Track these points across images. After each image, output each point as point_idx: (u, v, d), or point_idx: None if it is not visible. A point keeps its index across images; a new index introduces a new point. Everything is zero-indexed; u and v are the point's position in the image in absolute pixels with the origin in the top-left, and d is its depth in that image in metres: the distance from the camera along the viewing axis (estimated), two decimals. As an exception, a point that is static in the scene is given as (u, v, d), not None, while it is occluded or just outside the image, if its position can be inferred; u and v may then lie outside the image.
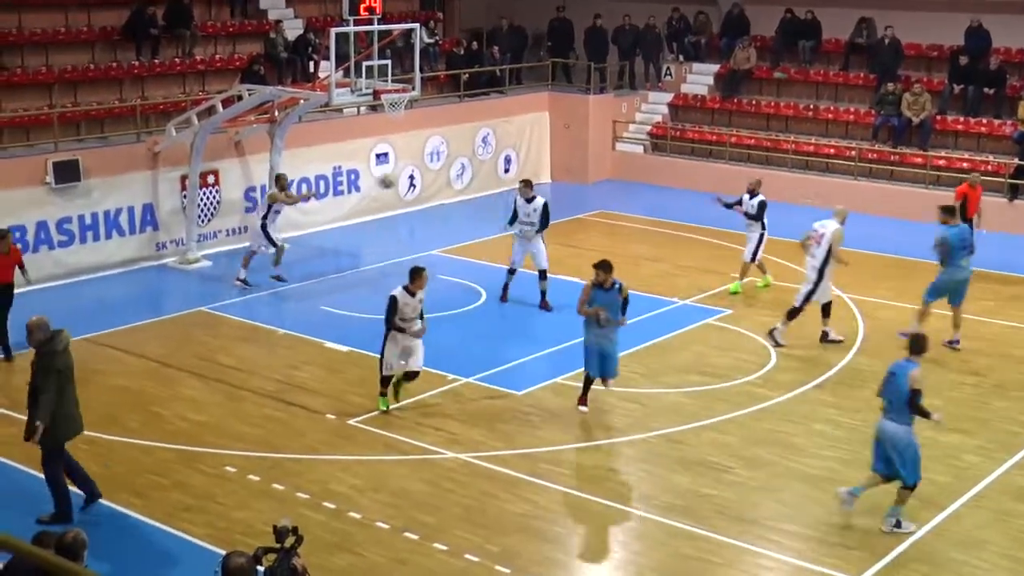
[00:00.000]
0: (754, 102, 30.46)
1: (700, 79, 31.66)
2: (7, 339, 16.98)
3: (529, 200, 19.53)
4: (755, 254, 20.64)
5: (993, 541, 12.32)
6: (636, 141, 31.02)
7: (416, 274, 14.84)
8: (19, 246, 17.64)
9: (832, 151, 28.38)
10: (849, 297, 20.45)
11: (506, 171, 29.36)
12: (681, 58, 32.17)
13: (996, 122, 27.27)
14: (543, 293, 19.59)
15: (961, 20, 28.34)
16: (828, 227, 17.92)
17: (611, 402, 15.83)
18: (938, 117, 27.74)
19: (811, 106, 29.78)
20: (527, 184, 19.89)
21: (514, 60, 31.25)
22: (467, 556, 11.79)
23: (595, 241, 24.41)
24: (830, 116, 29.36)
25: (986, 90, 27.58)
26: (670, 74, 32.04)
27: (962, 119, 27.77)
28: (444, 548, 11.95)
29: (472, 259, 22.70)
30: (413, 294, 14.82)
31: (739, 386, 16.42)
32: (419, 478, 13.53)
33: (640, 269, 21.78)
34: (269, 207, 20.93)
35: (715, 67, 31.41)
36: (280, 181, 21.39)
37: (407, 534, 12.23)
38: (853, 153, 27.90)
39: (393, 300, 14.73)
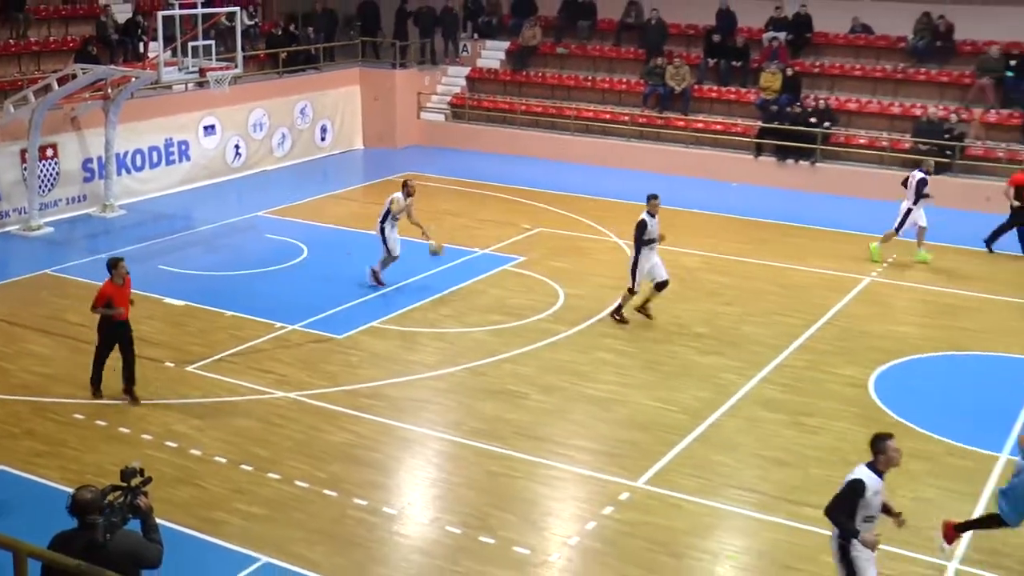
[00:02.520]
0: (540, 74, 30.69)
1: (493, 54, 31.71)
2: (101, 375, 13.82)
3: (654, 214, 16.43)
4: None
5: (745, 443, 12.89)
6: (438, 110, 30.91)
7: (883, 443, 8.56)
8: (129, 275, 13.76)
9: (608, 116, 28.85)
10: (624, 243, 20.93)
11: (323, 139, 28.97)
12: (476, 36, 32.16)
13: (743, 90, 28.16)
14: (641, 304, 16.82)
15: (713, 3, 29.17)
16: None
17: (423, 341, 15.90)
18: (696, 86, 28.49)
19: (590, 77, 30.17)
20: (656, 199, 16.47)
21: (327, 39, 30.69)
22: (298, 483, 11.74)
23: (405, 200, 24.34)
24: (606, 86, 29.80)
25: (734, 63, 28.46)
26: (467, 50, 32.00)
27: (715, 88, 28.58)
28: (277, 477, 11.87)
29: (294, 219, 22.40)
30: (881, 473, 8.57)
31: (533, 323, 16.67)
32: (253, 416, 13.37)
33: (445, 223, 21.82)
34: (387, 211, 17.96)
35: (506, 44, 31.50)
36: (407, 187, 18.14)
37: (243, 466, 12.09)
38: (626, 118, 28.43)
39: (858, 489, 8.43)
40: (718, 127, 27.56)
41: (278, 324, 16.37)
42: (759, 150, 26.61)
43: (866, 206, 23.81)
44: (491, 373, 14.82)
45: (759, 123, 26.86)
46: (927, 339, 16.27)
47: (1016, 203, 20.53)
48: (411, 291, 17.99)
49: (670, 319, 16.90)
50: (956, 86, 26.62)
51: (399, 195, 17.99)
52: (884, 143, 25.94)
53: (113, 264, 13.37)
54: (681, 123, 27.93)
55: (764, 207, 23.18)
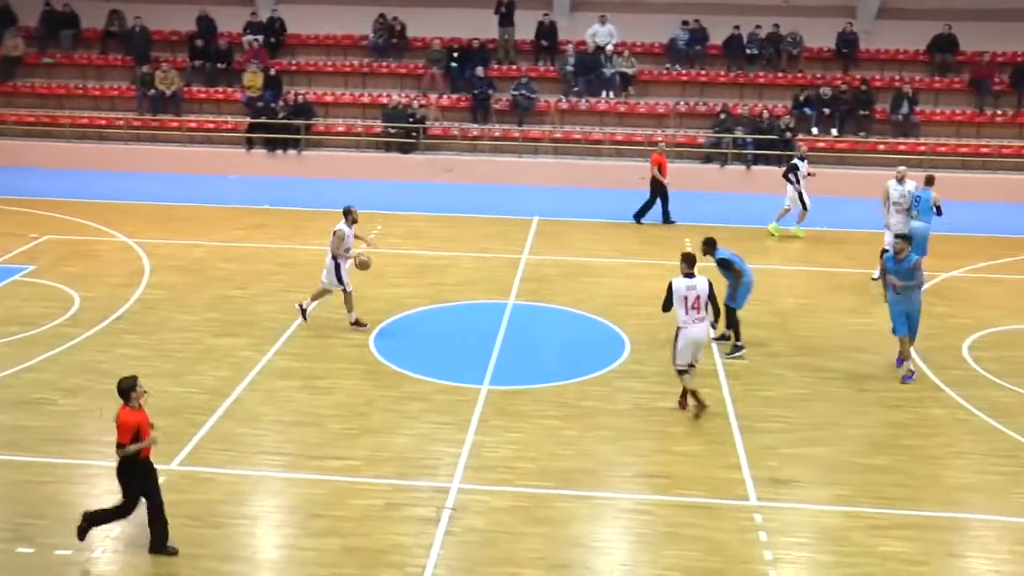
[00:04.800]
0: (29, 84, 28.15)
1: (-24, 67, 28.60)
2: (167, 530, 9.82)
3: (689, 276, 12.63)
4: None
5: (267, 413, 12.79)
6: (-78, 126, 27.41)
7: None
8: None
9: (104, 122, 27.13)
10: (134, 241, 19.90)
11: None
12: (-46, 49, 28.81)
13: (230, 90, 27.68)
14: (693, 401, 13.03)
15: (193, 9, 28.33)
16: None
17: (-67, 364, 14.11)
18: (186, 88, 27.56)
19: (80, 85, 28.16)
20: (691, 261, 12.82)
21: None
22: None
23: None
24: (98, 93, 27.97)
25: (219, 65, 27.87)
26: (-54, 64, 28.58)
27: (204, 89, 27.82)
28: None
29: None
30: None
31: (50, 329, 15.35)
32: None
33: (-56, 241, 19.50)
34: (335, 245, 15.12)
35: (-12, 56, 28.55)
36: (350, 215, 15.30)
37: None
38: (122, 123, 26.91)
39: None
40: (210, 125, 26.91)
41: None
42: (250, 144, 26.35)
43: (348, 185, 24.48)
44: (12, 384, 13.45)
45: (248, 119, 26.57)
46: (413, 296, 17.04)
47: (657, 181, 21.55)
48: (-86, 314, 15.89)
49: (182, 309, 16.30)
50: (413, 76, 28.00)
51: (342, 226, 15.16)
52: (359, 129, 26.72)
53: (131, 387, 9.55)
54: (175, 124, 26.93)
55: (259, 195, 23.05)
